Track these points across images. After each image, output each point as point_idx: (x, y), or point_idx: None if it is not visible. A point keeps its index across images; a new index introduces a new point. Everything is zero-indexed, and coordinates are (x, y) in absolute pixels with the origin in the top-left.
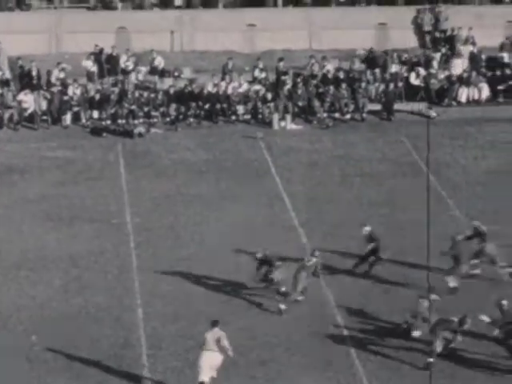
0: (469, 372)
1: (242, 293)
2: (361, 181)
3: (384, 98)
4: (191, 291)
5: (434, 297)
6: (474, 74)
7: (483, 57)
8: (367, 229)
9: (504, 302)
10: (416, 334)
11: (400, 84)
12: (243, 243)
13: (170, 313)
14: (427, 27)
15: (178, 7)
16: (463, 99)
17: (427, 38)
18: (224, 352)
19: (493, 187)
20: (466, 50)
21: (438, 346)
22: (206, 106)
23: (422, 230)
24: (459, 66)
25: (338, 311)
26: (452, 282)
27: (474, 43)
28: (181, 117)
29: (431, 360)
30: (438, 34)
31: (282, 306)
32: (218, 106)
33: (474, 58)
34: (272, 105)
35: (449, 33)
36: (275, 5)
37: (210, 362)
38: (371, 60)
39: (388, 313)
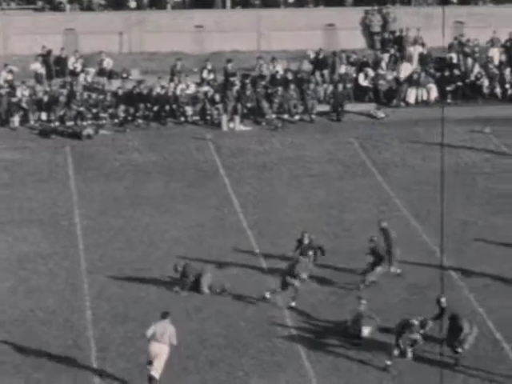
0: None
1: (191, 295)
2: (310, 182)
3: (333, 99)
4: (140, 293)
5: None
6: (422, 74)
7: (431, 57)
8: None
9: (443, 300)
10: (365, 331)
11: (349, 85)
12: (192, 245)
13: (118, 314)
14: (375, 28)
15: (130, 8)
16: (411, 100)
17: (376, 38)
18: (171, 345)
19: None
20: (414, 50)
21: (396, 349)
22: (155, 108)
23: (371, 230)
24: (408, 67)
25: (287, 312)
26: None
27: (422, 44)
28: (129, 118)
29: (389, 363)
30: (386, 35)
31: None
32: (167, 107)
33: (423, 59)
34: (221, 106)
35: (397, 34)
36: (224, 6)
37: (156, 351)
38: (320, 61)
39: (338, 314)
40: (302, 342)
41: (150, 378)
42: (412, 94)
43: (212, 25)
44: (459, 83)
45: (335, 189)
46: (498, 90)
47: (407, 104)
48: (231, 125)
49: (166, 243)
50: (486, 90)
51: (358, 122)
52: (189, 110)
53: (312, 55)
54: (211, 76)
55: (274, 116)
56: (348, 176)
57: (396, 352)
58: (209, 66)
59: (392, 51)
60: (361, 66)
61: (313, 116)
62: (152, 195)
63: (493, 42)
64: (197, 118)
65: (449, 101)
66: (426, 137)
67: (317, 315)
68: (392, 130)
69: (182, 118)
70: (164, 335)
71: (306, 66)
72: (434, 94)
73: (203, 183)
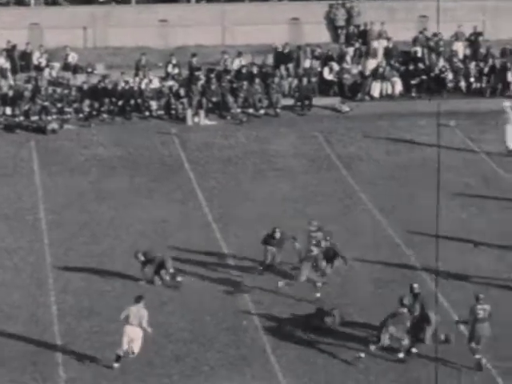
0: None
1: (155, 289)
2: (274, 176)
3: (298, 93)
4: (105, 287)
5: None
6: (387, 68)
7: (397, 51)
8: None
9: (415, 286)
10: (328, 321)
11: (313, 79)
12: (157, 239)
13: (84, 309)
14: (340, 22)
15: (95, 3)
16: (376, 94)
17: (340, 32)
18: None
19: (406, 181)
20: (379, 44)
21: (386, 340)
22: (120, 102)
23: (336, 225)
24: (372, 61)
25: (252, 306)
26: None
27: (387, 38)
28: (94, 113)
29: (362, 355)
30: (351, 29)
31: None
32: (132, 101)
33: (388, 53)
34: (185, 100)
35: (362, 28)
36: (188, 0)
37: (130, 335)
38: (285, 55)
39: (303, 307)
40: (267, 336)
41: (118, 357)
42: (377, 88)
43: (176, 19)
44: (424, 77)
45: (300, 183)
46: (462, 84)
47: (372, 98)
48: (196, 119)
49: (131, 237)
50: (450, 84)
51: (323, 116)
52: (153, 104)
53: (279, 49)
54: (176, 70)
55: (238, 110)
56: (313, 170)
57: (383, 342)
58: (173, 61)
59: (357, 45)
60: (325, 60)
61: (278, 110)
62: (117, 189)
63: (457, 36)
64: (162, 112)
65: (413, 94)
66: (391, 131)
67: (282, 309)
68: (357, 123)
69: (147, 113)
70: (138, 319)
71: (271, 61)
72: (399, 87)
73: (168, 177)
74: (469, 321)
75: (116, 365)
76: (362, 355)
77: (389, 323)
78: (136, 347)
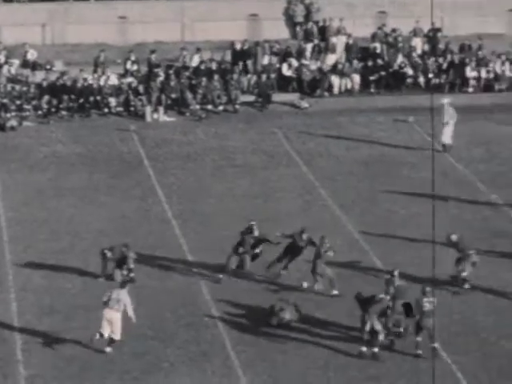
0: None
1: (115, 285)
2: (234, 172)
3: (257, 90)
4: (65, 285)
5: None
6: (346, 64)
7: (356, 47)
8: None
9: (395, 273)
10: (287, 317)
11: (272, 75)
12: (117, 236)
13: (44, 306)
14: (299, 18)
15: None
16: (335, 90)
17: (299, 29)
18: (123, 312)
19: (365, 177)
20: (338, 40)
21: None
22: (79, 99)
23: (296, 221)
24: (331, 57)
25: (212, 303)
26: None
27: (346, 34)
28: (53, 110)
29: (364, 349)
30: (309, 25)
31: None
32: (91, 98)
33: (347, 49)
34: (144, 97)
35: (321, 24)
36: None
37: (108, 318)
38: (243, 52)
39: (263, 303)
40: (227, 332)
41: (111, 340)
42: (336, 84)
43: (136, 16)
44: (382, 73)
45: (259, 179)
46: (421, 80)
47: (331, 94)
48: (155, 116)
49: (91, 234)
50: (409, 80)
51: (282, 112)
52: (112, 101)
53: (238, 45)
54: (135, 67)
55: (197, 107)
56: (272, 166)
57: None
58: (132, 57)
59: (315, 41)
60: (284, 57)
61: (237, 106)
62: (76, 187)
63: (415, 32)
64: (121, 109)
65: (372, 90)
66: (350, 127)
67: (242, 305)
68: (316, 119)
69: (106, 110)
70: (118, 303)
71: (229, 57)
72: (358, 83)
73: (127, 174)
74: (415, 314)
75: (108, 349)
76: (364, 349)
77: (371, 311)
78: (116, 333)
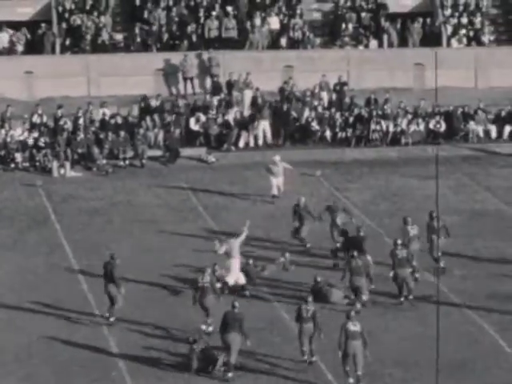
0: None
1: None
2: (140, 227)
3: (165, 144)
4: None
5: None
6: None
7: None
8: None
9: (355, 254)
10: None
11: (178, 130)
12: (23, 291)
13: None
14: (190, 73)
15: None
16: (241, 144)
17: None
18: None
19: (272, 230)
20: (245, 94)
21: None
22: None
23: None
24: (236, 111)
25: (119, 354)
26: None
27: (253, 87)
28: None
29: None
30: (215, 79)
31: None
32: None
33: (254, 103)
34: (48, 151)
35: (227, 78)
36: (53, 52)
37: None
38: (150, 106)
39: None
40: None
41: None
42: (243, 138)
43: (42, 70)
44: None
45: (167, 233)
46: (327, 134)
47: (237, 148)
48: (62, 171)
49: None
50: (315, 134)
51: (189, 167)
52: (18, 156)
53: (153, 101)
54: (40, 120)
55: (104, 161)
56: (179, 220)
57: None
58: (39, 111)
59: (222, 95)
60: (192, 111)
61: (143, 161)
62: None
63: (321, 86)
64: (27, 164)
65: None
66: (256, 180)
67: (152, 357)
68: (222, 174)
69: (12, 165)
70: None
71: (136, 112)
72: (268, 137)
73: (34, 230)
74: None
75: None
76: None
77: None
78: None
